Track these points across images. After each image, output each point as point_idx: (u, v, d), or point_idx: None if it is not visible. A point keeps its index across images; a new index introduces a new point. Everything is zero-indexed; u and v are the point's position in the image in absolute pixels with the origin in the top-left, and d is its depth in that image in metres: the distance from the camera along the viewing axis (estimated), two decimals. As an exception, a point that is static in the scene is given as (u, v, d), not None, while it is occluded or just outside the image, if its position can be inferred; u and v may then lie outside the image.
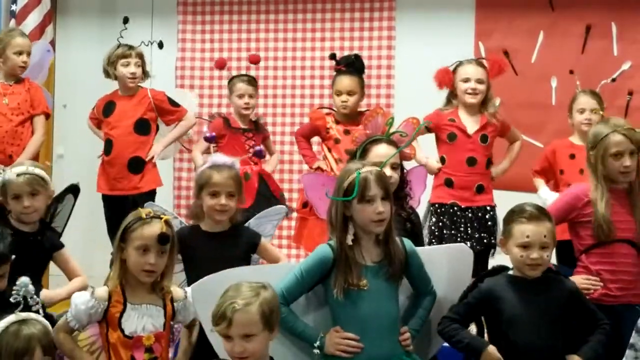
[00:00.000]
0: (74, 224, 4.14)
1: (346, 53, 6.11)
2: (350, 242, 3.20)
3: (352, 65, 5.31)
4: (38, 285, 3.87)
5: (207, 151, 5.46)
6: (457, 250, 3.68)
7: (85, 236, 4.11)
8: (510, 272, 3.45)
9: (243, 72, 5.76)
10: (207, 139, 5.45)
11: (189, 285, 3.68)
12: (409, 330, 3.29)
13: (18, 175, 3.84)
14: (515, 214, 3.42)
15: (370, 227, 3.20)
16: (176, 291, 3.35)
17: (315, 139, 5.47)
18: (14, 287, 3.00)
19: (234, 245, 3.77)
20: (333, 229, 3.25)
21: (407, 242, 3.34)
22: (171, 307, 3.29)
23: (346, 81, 5.21)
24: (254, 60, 5.85)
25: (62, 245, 3.95)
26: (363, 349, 3.17)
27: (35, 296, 3.00)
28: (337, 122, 5.22)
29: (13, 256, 3.34)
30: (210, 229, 3.78)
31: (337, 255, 3.20)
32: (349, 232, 3.21)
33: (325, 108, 5.46)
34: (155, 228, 3.23)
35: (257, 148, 5.38)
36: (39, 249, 3.84)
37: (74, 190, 4.35)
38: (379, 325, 3.19)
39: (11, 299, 2.97)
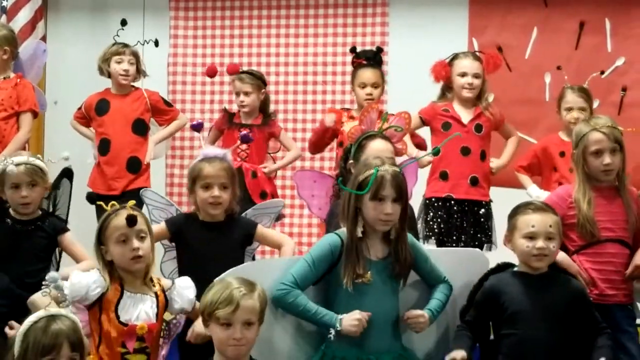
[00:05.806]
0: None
1: (339, 49, 6.10)
2: (360, 235, 3.20)
3: (373, 59, 5.19)
4: (48, 270, 3.88)
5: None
6: (472, 255, 3.68)
7: (78, 240, 4.09)
8: (516, 269, 3.45)
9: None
10: (192, 127, 5.43)
11: (180, 273, 3.67)
12: (426, 309, 3.29)
13: (18, 164, 3.89)
14: (520, 208, 3.44)
15: (376, 224, 3.21)
16: (164, 281, 3.35)
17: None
18: (43, 283, 3.02)
19: (230, 236, 3.76)
20: (344, 220, 3.25)
21: (408, 235, 3.34)
22: (163, 296, 3.28)
23: (370, 73, 5.08)
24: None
25: (66, 229, 3.99)
26: (362, 343, 3.18)
27: (64, 292, 3.01)
28: (352, 118, 5.00)
29: None
30: (206, 218, 3.77)
31: (347, 246, 3.21)
32: (358, 224, 3.21)
33: (341, 108, 5.35)
34: (123, 215, 3.24)
35: (243, 132, 5.11)
36: (41, 234, 3.89)
37: (68, 174, 4.34)
38: (378, 320, 3.20)
39: (41, 294, 3.00)
